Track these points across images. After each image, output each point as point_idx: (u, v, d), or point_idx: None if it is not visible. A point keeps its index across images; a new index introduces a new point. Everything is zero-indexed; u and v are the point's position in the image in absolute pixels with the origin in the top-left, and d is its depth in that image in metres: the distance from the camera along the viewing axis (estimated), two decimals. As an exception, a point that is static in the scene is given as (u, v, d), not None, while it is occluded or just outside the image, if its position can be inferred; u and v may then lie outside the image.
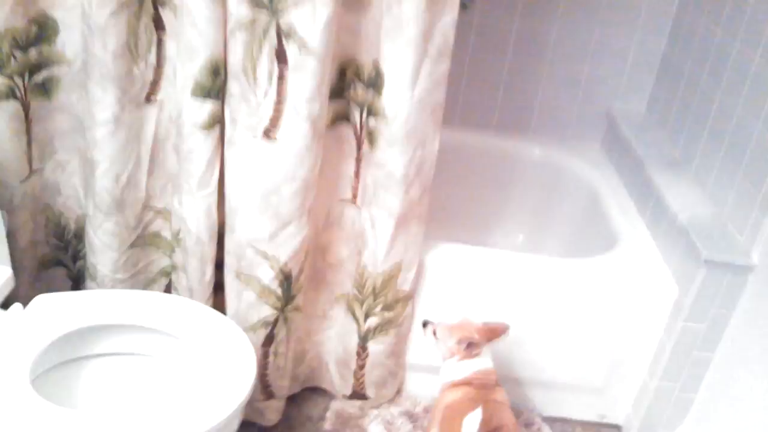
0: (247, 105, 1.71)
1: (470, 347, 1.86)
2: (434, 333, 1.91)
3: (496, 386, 1.90)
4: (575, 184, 2.73)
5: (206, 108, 1.73)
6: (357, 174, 1.93)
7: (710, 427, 2.12)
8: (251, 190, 1.78)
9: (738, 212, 2.05)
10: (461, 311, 1.95)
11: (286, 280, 1.90)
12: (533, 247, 2.84)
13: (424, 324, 1.95)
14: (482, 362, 1.88)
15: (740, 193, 2.04)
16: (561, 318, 2.18)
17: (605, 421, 2.37)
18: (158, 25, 1.74)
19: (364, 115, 1.84)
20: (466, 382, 1.88)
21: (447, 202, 2.71)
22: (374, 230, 1.93)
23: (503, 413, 1.86)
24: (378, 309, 2.05)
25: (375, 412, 2.23)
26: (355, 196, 1.96)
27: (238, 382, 1.56)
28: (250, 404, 2.05)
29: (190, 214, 1.85)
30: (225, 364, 1.61)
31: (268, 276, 1.88)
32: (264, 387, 2.04)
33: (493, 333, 1.90)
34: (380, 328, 2.08)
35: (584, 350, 2.23)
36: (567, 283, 2.14)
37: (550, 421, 2.34)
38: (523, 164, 2.82)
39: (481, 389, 1.88)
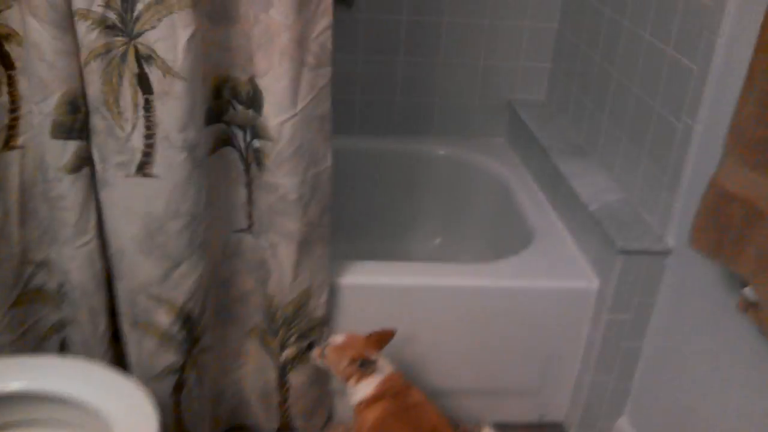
0: (115, 141, 1.58)
1: (365, 365, 1.77)
2: (321, 356, 1.82)
3: (409, 388, 1.83)
4: (485, 180, 2.66)
5: (70, 149, 1.59)
6: (249, 200, 1.81)
7: (650, 414, 2.07)
8: (134, 232, 1.65)
9: (647, 195, 2.00)
10: (376, 327, 1.85)
11: (187, 322, 1.77)
12: (451, 249, 2.76)
13: (309, 346, 1.86)
14: (383, 370, 1.81)
15: (647, 175, 2.00)
16: (488, 324, 2.10)
17: (546, 420, 2.31)
18: (6, 63, 1.58)
19: (248, 137, 1.72)
20: (378, 397, 1.79)
21: (356, 214, 2.62)
22: (276, 258, 1.82)
23: (428, 413, 1.80)
24: (293, 339, 1.94)
25: (305, 445, 2.12)
26: (251, 225, 1.85)
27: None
28: (170, 457, 1.92)
29: (72, 265, 1.71)
30: (125, 422, 1.48)
31: (166, 321, 1.75)
32: (180, 433, 1.91)
33: (382, 340, 1.82)
34: (299, 359, 1.97)
35: (515, 353, 2.16)
36: (487, 288, 2.07)
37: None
38: (430, 165, 2.74)
39: (396, 397, 1.80)
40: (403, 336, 2.06)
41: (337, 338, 1.82)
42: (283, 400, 2.05)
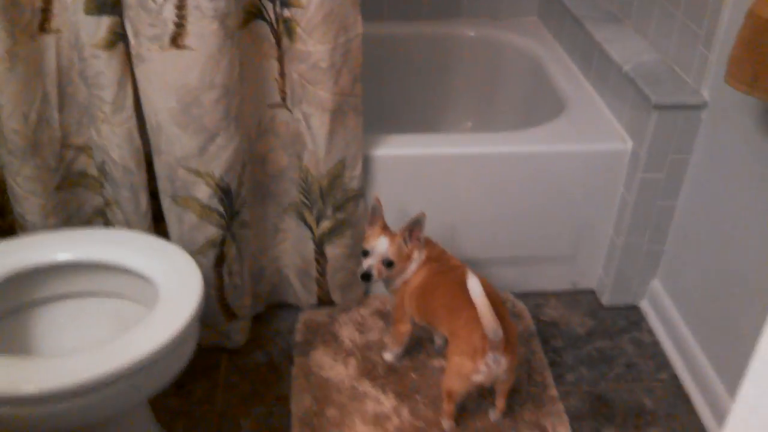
0: (147, 13, 1.56)
1: (415, 233, 1.83)
2: (386, 265, 1.84)
3: (445, 253, 1.92)
4: (516, 59, 2.62)
5: (104, 24, 1.59)
6: (282, 73, 1.81)
7: (682, 277, 2.10)
8: (170, 105, 1.66)
9: (682, 53, 1.97)
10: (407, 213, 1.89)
11: (226, 195, 1.80)
12: (483, 131, 2.75)
13: (367, 275, 1.84)
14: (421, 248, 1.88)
15: (682, 34, 1.96)
16: (520, 192, 2.11)
17: (578, 287, 2.35)
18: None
19: (278, 6, 1.70)
20: (422, 267, 1.87)
21: (386, 100, 2.61)
22: (310, 130, 1.83)
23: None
24: (329, 212, 1.96)
25: (345, 316, 2.18)
26: (284, 98, 1.85)
27: (185, 300, 1.48)
28: (214, 329, 1.99)
29: (112, 143, 1.73)
30: (170, 285, 1.53)
31: (205, 194, 1.78)
32: (224, 308, 1.97)
33: (374, 214, 1.87)
34: (335, 231, 2.00)
35: (549, 220, 2.18)
36: (521, 156, 2.07)
37: (523, 296, 2.31)
38: (460, 48, 2.70)
39: (437, 261, 1.88)
40: (437, 207, 2.09)
41: (382, 242, 1.83)
42: (321, 274, 2.09)
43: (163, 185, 1.80)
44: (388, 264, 1.83)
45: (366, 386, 1.97)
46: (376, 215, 1.87)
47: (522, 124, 2.57)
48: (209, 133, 1.70)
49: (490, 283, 1.81)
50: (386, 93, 2.60)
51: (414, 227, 1.83)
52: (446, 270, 1.85)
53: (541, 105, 2.44)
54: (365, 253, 1.85)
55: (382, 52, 2.54)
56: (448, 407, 1.82)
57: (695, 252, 2.03)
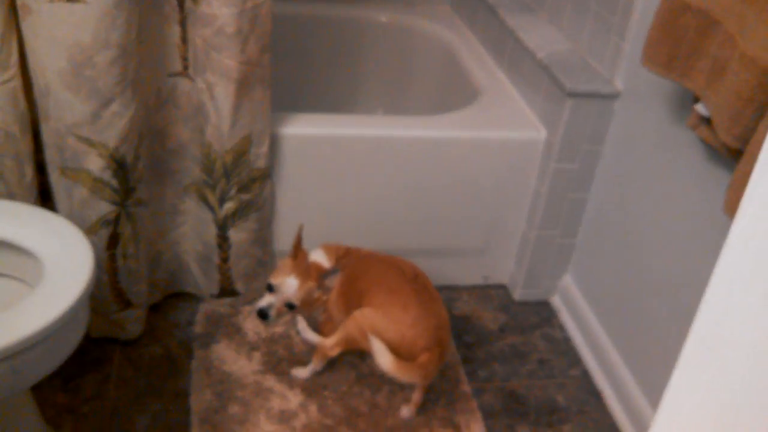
0: (36, -41, 1.43)
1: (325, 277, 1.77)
2: (289, 308, 1.73)
3: (349, 248, 1.85)
4: (428, 47, 2.58)
5: (-15, -31, 1.44)
6: (183, 38, 1.70)
7: (593, 272, 2.08)
8: (60, 65, 1.52)
9: (596, 43, 1.96)
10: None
11: (121, 168, 1.67)
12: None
13: (264, 315, 1.71)
14: (318, 257, 1.81)
15: (596, 23, 1.96)
16: (431, 179, 2.05)
17: (490, 282, 2.30)
18: None
19: (181, -35, 1.60)
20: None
21: (295, 83, 2.51)
22: (213, 101, 1.72)
23: (382, 255, 1.81)
24: (233, 192, 1.85)
25: (248, 307, 2.06)
26: (186, 67, 1.74)
27: (73, 277, 1.34)
28: (106, 318, 1.84)
29: (-8, 105, 1.58)
30: (56, 260, 1.39)
31: (97, 166, 1.64)
32: (117, 295, 1.82)
33: (300, 239, 1.77)
34: (239, 213, 1.89)
35: (460, 211, 2.13)
36: (432, 141, 2.01)
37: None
38: (372, 33, 2.64)
39: (346, 257, 1.81)
40: (345, 192, 2.01)
41: (290, 283, 1.70)
42: (224, 261, 1.97)
43: (50, 155, 1.65)
44: (290, 307, 1.72)
45: (271, 381, 1.85)
46: (296, 244, 1.75)
47: (434, 111, 2.52)
48: (103, 98, 1.57)
49: (423, 272, 1.75)
50: (294, 74, 2.51)
51: (328, 275, 1.75)
52: (358, 260, 1.78)
53: (454, 93, 2.40)
54: (269, 288, 1.73)
55: (291, 31, 2.46)
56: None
57: (606, 246, 2.02)
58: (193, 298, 2.08)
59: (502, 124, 2.06)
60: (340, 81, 2.65)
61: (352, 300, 1.73)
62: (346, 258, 1.80)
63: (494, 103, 2.14)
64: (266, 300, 1.71)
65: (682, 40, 1.43)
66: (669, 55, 1.46)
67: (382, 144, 1.98)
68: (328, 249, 1.82)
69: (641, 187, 1.84)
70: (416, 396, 1.79)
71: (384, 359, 1.59)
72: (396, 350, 1.62)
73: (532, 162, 2.06)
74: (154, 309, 2.01)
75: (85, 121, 1.58)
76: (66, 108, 1.57)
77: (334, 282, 1.81)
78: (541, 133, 2.02)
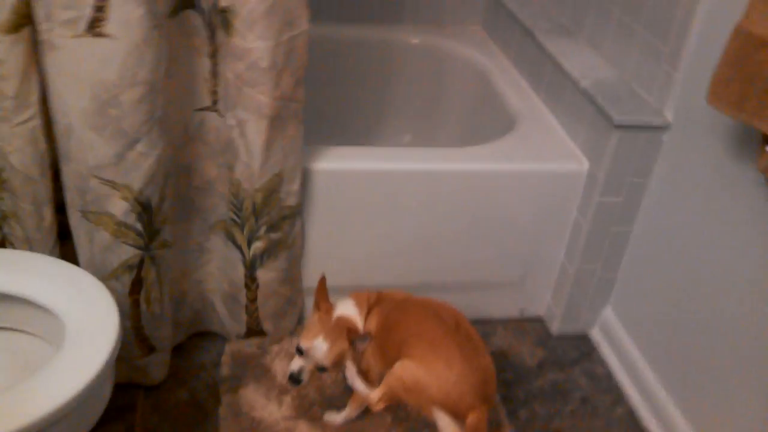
0: (60, -7, 1.33)
1: (356, 346, 1.63)
2: (320, 371, 1.63)
3: (382, 293, 1.74)
4: (460, 69, 2.48)
5: (7, 3, 1.34)
6: (214, 73, 1.60)
7: (635, 305, 1.99)
8: (83, 104, 1.42)
9: (643, 70, 1.86)
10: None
11: (146, 211, 1.57)
12: (423, 145, 2.59)
13: (297, 381, 1.62)
14: (349, 308, 1.69)
15: (643, 48, 1.85)
16: (467, 213, 1.95)
17: (526, 315, 2.21)
18: None
19: (213, -5, 1.50)
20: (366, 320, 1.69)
21: (322, 107, 2.41)
22: (244, 138, 1.62)
23: (421, 299, 1.71)
24: (262, 231, 1.75)
25: (277, 347, 1.96)
26: (215, 101, 1.64)
27: (98, 340, 1.25)
28: (129, 363, 1.75)
29: (11, 146, 1.48)
30: (78, 320, 1.29)
31: (121, 209, 1.54)
32: (141, 341, 1.73)
33: (325, 290, 1.67)
34: (268, 253, 1.79)
35: (496, 244, 2.03)
36: (468, 174, 1.91)
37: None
38: (402, 55, 2.54)
39: (382, 303, 1.70)
40: (377, 227, 1.92)
41: (318, 345, 1.59)
42: (251, 301, 1.87)
43: (71, 198, 1.55)
44: (321, 370, 1.62)
45: (304, 428, 1.76)
46: (320, 297, 1.66)
47: (465, 139, 2.43)
48: (129, 138, 1.47)
49: (463, 317, 1.66)
50: (320, 98, 2.40)
51: (356, 344, 1.63)
52: (395, 305, 1.68)
53: (488, 120, 2.30)
54: (299, 351, 1.62)
55: (319, 54, 2.34)
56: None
57: (650, 279, 1.92)
58: (219, 338, 1.98)
59: (543, 156, 1.96)
60: (368, 105, 2.55)
61: (390, 351, 1.63)
62: (379, 306, 1.70)
63: (533, 132, 2.04)
64: (297, 364, 1.62)
65: (756, 77, 1.33)
66: (741, 94, 1.36)
67: (416, 177, 1.88)
68: (359, 298, 1.72)
69: (690, 222, 1.75)
70: None
71: None
72: (441, 409, 1.52)
73: (573, 194, 1.96)
74: (178, 350, 1.92)
75: (109, 162, 1.49)
76: (89, 149, 1.47)
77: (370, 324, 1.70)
78: (583, 165, 1.92)
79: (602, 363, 2.07)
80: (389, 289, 1.77)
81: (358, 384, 1.68)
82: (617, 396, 1.98)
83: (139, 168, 1.51)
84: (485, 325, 2.15)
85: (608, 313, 2.10)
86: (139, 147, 1.49)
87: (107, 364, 1.22)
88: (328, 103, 2.46)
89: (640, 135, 1.80)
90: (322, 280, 1.66)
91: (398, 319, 1.64)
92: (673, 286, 1.83)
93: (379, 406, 1.62)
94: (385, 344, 1.64)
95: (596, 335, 2.14)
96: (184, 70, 1.57)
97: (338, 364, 1.62)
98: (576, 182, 1.94)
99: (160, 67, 1.44)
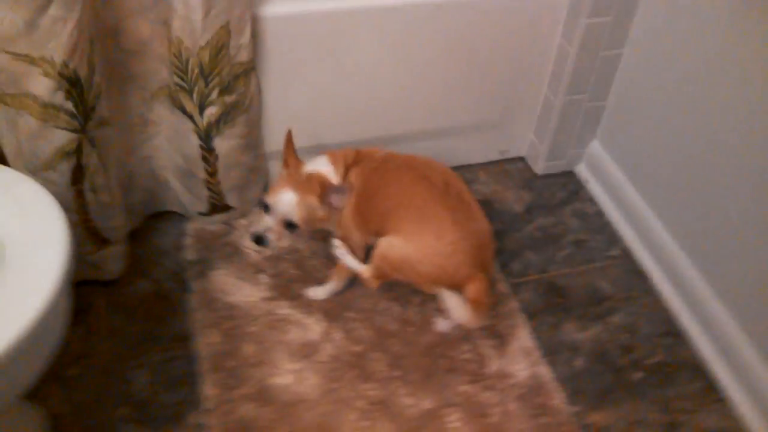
0: None
1: (331, 199, 1.44)
2: (288, 228, 1.43)
3: (353, 151, 1.54)
4: None
5: None
6: None
7: (625, 135, 1.84)
8: (-29, -39, 1.13)
9: None
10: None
11: (74, 87, 1.31)
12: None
13: (262, 241, 1.43)
14: (318, 165, 1.50)
15: None
16: (438, 52, 1.73)
17: (507, 156, 2.05)
18: None
19: None
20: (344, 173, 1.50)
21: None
22: (179, -14, 1.34)
23: (405, 156, 1.53)
24: (215, 95, 1.51)
25: (244, 221, 1.78)
26: (136, -57, 1.34)
27: (44, 263, 1.03)
28: (82, 260, 1.54)
29: None
30: (18, 239, 1.07)
31: (45, 88, 1.28)
32: (92, 234, 1.52)
33: (292, 146, 1.49)
34: (224, 119, 1.56)
35: (473, 82, 1.82)
36: (438, 6, 1.65)
37: (447, 173, 1.98)
38: None
39: (358, 164, 1.51)
40: (342, 76, 1.69)
41: (286, 198, 1.41)
42: (211, 174, 1.66)
43: (-20, 79, 1.28)
44: (290, 226, 1.43)
45: (285, 309, 1.61)
46: (287, 153, 1.47)
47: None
48: (37, 1, 1.19)
49: (453, 174, 1.48)
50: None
51: (331, 194, 1.42)
52: (376, 166, 1.48)
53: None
54: (264, 207, 1.43)
55: None
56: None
57: (640, 106, 1.76)
58: (178, 217, 1.79)
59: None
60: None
61: (371, 218, 1.46)
62: (358, 166, 1.50)
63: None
64: (262, 223, 1.43)
65: None
66: None
67: (380, 15, 1.63)
68: (334, 155, 1.52)
69: (686, 40, 1.57)
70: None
71: (462, 314, 1.36)
72: (435, 283, 1.38)
73: (555, 19, 1.74)
74: (134, 236, 1.72)
75: (19, 32, 1.21)
76: (-10, 18, 1.19)
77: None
78: (566, -17, 1.69)
79: (592, 201, 1.95)
80: (366, 147, 1.57)
81: (351, 261, 1.52)
82: (610, 235, 1.87)
83: (58, 36, 1.24)
84: (465, 171, 1.99)
85: (595, 147, 1.96)
86: (53, 10, 1.21)
87: (61, 283, 1.01)
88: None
89: (634, -58, 1.57)
90: (289, 135, 1.47)
91: (380, 183, 1.46)
92: (665, 110, 1.68)
93: (375, 284, 1.47)
94: (366, 210, 1.47)
95: (583, 171, 2.01)
96: None
97: (309, 222, 1.44)
98: (557, 3, 1.71)
99: None
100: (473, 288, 1.36)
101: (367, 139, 1.77)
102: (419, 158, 1.51)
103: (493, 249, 1.45)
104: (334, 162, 1.51)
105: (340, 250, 1.52)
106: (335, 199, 1.43)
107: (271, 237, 1.43)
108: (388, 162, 1.49)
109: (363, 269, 1.49)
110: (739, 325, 1.52)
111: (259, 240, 1.43)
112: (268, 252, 1.68)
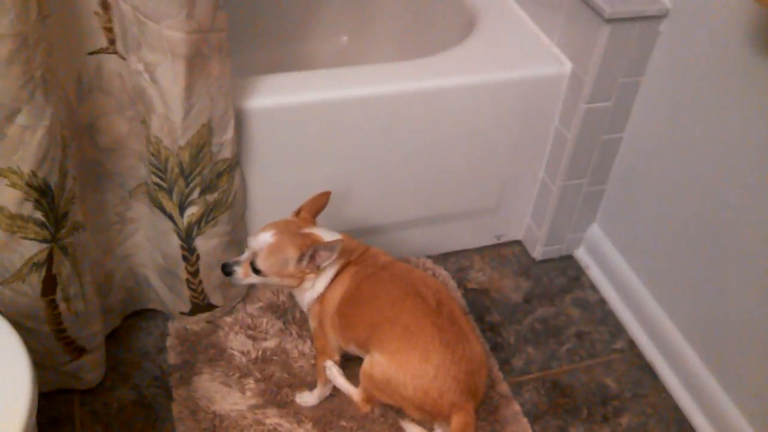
0: None
1: (315, 256, 1.34)
2: (253, 270, 1.35)
3: (368, 249, 1.45)
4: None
5: None
6: (104, 4, 1.22)
7: (626, 220, 1.77)
8: (-69, 72, 1.05)
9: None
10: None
11: (44, 196, 1.22)
12: (362, 48, 2.23)
13: (227, 271, 1.37)
14: (326, 234, 1.39)
15: None
16: (431, 138, 1.66)
17: (503, 240, 1.96)
18: None
19: None
20: (342, 266, 1.40)
21: (242, 15, 2.03)
22: (156, 85, 1.27)
23: (406, 269, 1.44)
24: (195, 195, 1.43)
25: (229, 319, 1.68)
26: (112, 41, 1.27)
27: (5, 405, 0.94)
28: (56, 371, 1.45)
29: None
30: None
31: (12, 200, 1.20)
32: (66, 345, 1.42)
33: (317, 206, 1.42)
34: (206, 218, 1.48)
35: (468, 169, 1.75)
36: (429, 93, 1.60)
37: (442, 258, 1.90)
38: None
39: (361, 262, 1.41)
40: (333, 165, 1.62)
41: (263, 238, 1.34)
42: (192, 274, 1.56)
43: (-57, 192, 1.20)
44: (255, 270, 1.34)
45: (274, 417, 1.50)
46: (307, 206, 1.42)
47: (414, 36, 2.10)
48: (5, 110, 1.11)
49: (447, 292, 1.39)
50: (239, 5, 2.00)
51: (319, 251, 1.33)
52: (375, 273, 1.39)
53: (438, 18, 1.96)
54: (247, 241, 1.38)
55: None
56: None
57: (641, 189, 1.70)
58: (159, 315, 1.69)
59: (514, 60, 1.66)
60: (296, 4, 2.14)
61: (356, 327, 1.37)
62: (357, 266, 1.41)
63: (498, 31, 1.73)
64: (241, 256, 1.37)
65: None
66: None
67: (368, 103, 1.56)
68: (348, 240, 1.43)
69: (689, 121, 1.52)
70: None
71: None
72: (419, 409, 1.28)
73: (553, 102, 1.68)
74: (113, 337, 1.62)
75: (-16, 142, 1.13)
76: (-47, 129, 1.11)
77: (336, 291, 1.41)
78: (565, 67, 1.63)
79: (593, 288, 1.87)
80: (376, 248, 1.47)
81: (340, 381, 1.45)
82: (614, 326, 1.78)
83: (26, 145, 1.16)
84: (461, 258, 1.91)
85: (595, 231, 1.88)
86: (21, 119, 1.13)
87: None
88: (248, 8, 2.06)
89: (634, 26, 1.51)
90: (325, 196, 1.43)
91: (371, 292, 1.36)
92: (667, 194, 1.61)
93: (366, 408, 1.38)
94: (350, 316, 1.38)
95: (583, 256, 1.92)
96: (65, 5, 1.20)
97: (275, 273, 1.35)
98: (556, 88, 1.66)
99: (29, 10, 1.07)
100: (457, 420, 1.26)
101: (358, 228, 1.69)
102: (417, 273, 1.42)
103: (487, 375, 1.35)
104: (347, 244, 1.41)
105: (331, 370, 1.43)
106: (322, 256, 1.34)
107: (237, 271, 1.36)
108: (385, 270, 1.39)
109: (354, 392, 1.40)
110: (756, 430, 1.43)
111: (225, 269, 1.37)
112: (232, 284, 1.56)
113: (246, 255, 1.36)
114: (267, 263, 1.33)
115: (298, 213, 1.42)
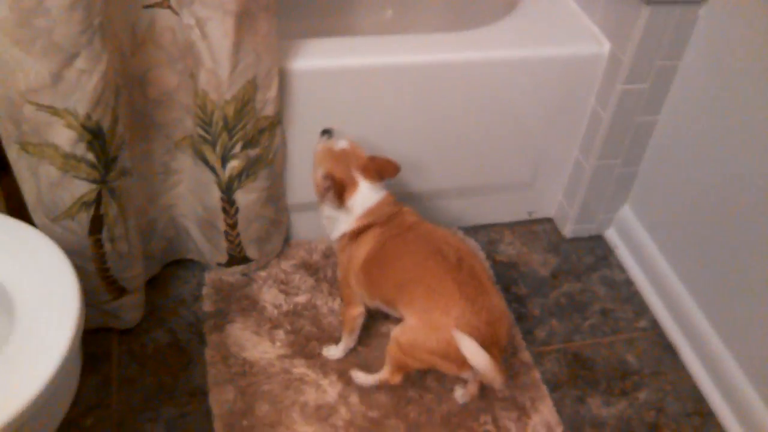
0: None
1: (327, 192, 1.43)
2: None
3: (401, 209, 1.50)
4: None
5: None
6: (161, -40, 1.29)
7: (657, 202, 1.79)
8: (1, 14, 1.12)
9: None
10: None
11: (96, 138, 1.30)
12: (405, 22, 2.27)
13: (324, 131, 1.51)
14: (370, 198, 1.46)
15: None
16: (469, 110, 1.70)
17: (534, 217, 2.00)
18: None
19: None
20: (365, 227, 1.45)
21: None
22: (206, 40, 1.34)
23: (431, 230, 1.47)
24: (238, 148, 1.49)
25: (263, 273, 1.75)
26: (166, -4, 1.34)
27: (54, 326, 1.01)
28: (98, 308, 1.53)
29: None
30: (28, 298, 1.05)
31: (67, 139, 1.27)
32: (109, 284, 1.50)
33: (383, 170, 1.48)
34: (246, 172, 1.54)
35: (504, 142, 1.79)
36: (469, 66, 1.64)
37: (473, 231, 1.94)
38: None
39: (389, 222, 1.46)
40: (371, 131, 1.67)
41: (341, 141, 1.47)
42: (231, 227, 1.64)
43: (5, 129, 1.28)
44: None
45: (301, 367, 1.57)
46: (379, 161, 1.49)
47: (455, 15, 2.13)
48: (64, 53, 1.18)
49: (469, 250, 1.43)
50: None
51: (330, 191, 1.43)
52: (400, 234, 1.44)
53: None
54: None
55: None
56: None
57: (674, 173, 1.72)
58: (197, 265, 1.76)
59: (554, 38, 1.69)
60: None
61: (382, 286, 1.43)
62: (384, 226, 1.46)
63: (540, 8, 1.76)
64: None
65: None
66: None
67: (409, 71, 1.61)
68: (386, 204, 1.48)
69: (725, 108, 1.52)
70: (471, 387, 1.53)
71: (478, 359, 1.28)
72: (446, 359, 1.33)
73: (591, 82, 1.71)
74: (153, 283, 1.70)
75: (44, 84, 1.20)
76: (16, 70, 1.18)
77: (360, 249, 1.47)
78: (603, 47, 1.66)
79: (620, 268, 1.89)
80: (408, 207, 1.52)
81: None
82: (639, 305, 1.81)
83: (82, 88, 1.23)
84: (491, 232, 1.95)
85: (626, 212, 1.90)
86: (79, 63, 1.20)
87: (70, 347, 0.99)
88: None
89: (674, 10, 1.53)
90: (395, 166, 1.50)
91: (396, 253, 1.42)
92: (700, 179, 1.63)
93: (396, 380, 1.44)
94: (377, 277, 1.43)
95: (612, 236, 1.95)
96: (124, -40, 1.27)
97: (315, 163, 1.48)
98: (595, 67, 1.68)
99: (92, -40, 1.14)
100: None
101: (396, 196, 1.74)
102: (439, 231, 1.46)
103: (508, 325, 1.39)
104: (381, 201, 1.47)
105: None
106: (328, 197, 1.44)
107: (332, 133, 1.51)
108: (410, 231, 1.44)
109: (379, 374, 1.49)
110: (771, 411, 1.45)
111: (325, 131, 1.52)
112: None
113: (331, 139, 1.50)
114: (321, 150, 1.47)
115: (373, 160, 1.47)
